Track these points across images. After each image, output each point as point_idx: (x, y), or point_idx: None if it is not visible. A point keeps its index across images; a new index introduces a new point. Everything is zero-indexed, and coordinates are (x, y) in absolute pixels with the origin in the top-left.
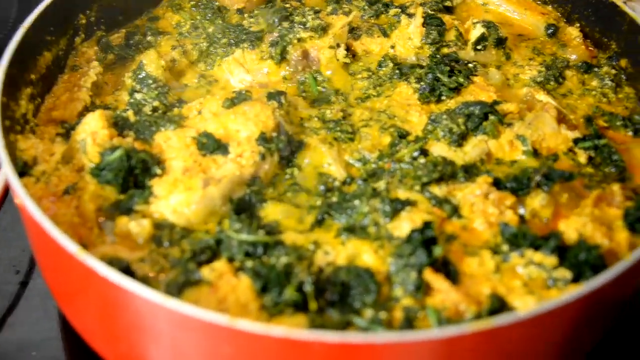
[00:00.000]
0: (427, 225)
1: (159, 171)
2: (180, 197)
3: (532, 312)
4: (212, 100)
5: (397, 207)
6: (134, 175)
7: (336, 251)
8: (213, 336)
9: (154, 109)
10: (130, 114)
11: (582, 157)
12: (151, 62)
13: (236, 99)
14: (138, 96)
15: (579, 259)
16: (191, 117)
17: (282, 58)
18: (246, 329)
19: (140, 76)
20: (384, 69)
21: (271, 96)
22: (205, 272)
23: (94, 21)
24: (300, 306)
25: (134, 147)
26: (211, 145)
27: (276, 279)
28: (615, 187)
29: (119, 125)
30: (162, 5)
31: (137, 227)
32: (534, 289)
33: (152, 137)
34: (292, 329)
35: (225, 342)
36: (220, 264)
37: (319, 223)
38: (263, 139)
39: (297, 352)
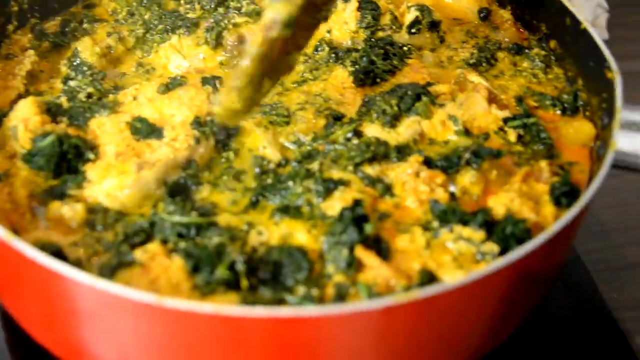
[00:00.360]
0: (357, 203)
1: (92, 156)
2: (113, 181)
3: (458, 283)
4: (147, 86)
5: (330, 186)
6: (66, 160)
7: (269, 231)
8: (144, 316)
9: (89, 95)
10: (63, 100)
11: (512, 136)
12: (86, 49)
13: (171, 84)
14: (72, 83)
15: (506, 233)
16: (126, 103)
17: (218, 43)
18: (175, 307)
19: (75, 63)
20: (320, 53)
21: (206, 81)
22: (138, 253)
23: (26, 9)
24: (232, 285)
25: (66, 133)
26: (145, 129)
27: (207, 258)
28: (543, 164)
29: (52, 112)
30: None
31: (70, 211)
32: (463, 263)
33: (86, 123)
34: (221, 305)
35: (156, 322)
36: (153, 246)
37: (254, 205)
38: (197, 123)
39: (228, 328)
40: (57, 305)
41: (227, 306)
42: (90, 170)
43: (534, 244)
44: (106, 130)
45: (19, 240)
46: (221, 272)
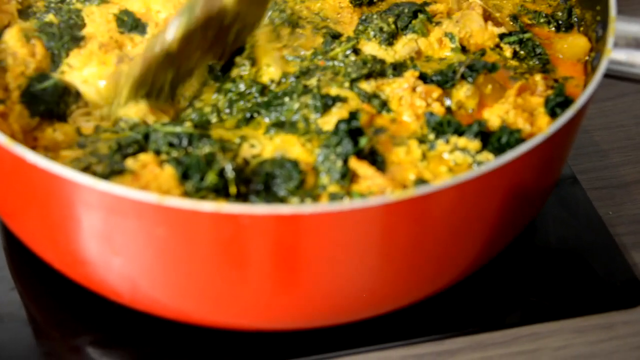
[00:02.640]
0: (353, 115)
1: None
2: (93, 70)
3: (449, 183)
4: None
5: (328, 102)
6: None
7: (262, 144)
8: (144, 218)
9: None
10: (51, 17)
11: (508, 52)
12: None
13: None
14: None
15: (501, 142)
16: None
17: None
18: (175, 206)
19: None
20: None
21: None
22: (130, 162)
23: None
24: (222, 192)
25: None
26: (130, 23)
27: (197, 165)
28: (538, 77)
29: (45, 33)
30: None
31: (62, 135)
32: (459, 173)
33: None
34: (221, 203)
35: (157, 223)
36: (145, 156)
37: (247, 121)
38: None
39: (228, 227)
40: (57, 213)
41: (227, 204)
42: (74, 57)
43: (527, 147)
44: (94, 19)
45: (17, 144)
46: (211, 178)
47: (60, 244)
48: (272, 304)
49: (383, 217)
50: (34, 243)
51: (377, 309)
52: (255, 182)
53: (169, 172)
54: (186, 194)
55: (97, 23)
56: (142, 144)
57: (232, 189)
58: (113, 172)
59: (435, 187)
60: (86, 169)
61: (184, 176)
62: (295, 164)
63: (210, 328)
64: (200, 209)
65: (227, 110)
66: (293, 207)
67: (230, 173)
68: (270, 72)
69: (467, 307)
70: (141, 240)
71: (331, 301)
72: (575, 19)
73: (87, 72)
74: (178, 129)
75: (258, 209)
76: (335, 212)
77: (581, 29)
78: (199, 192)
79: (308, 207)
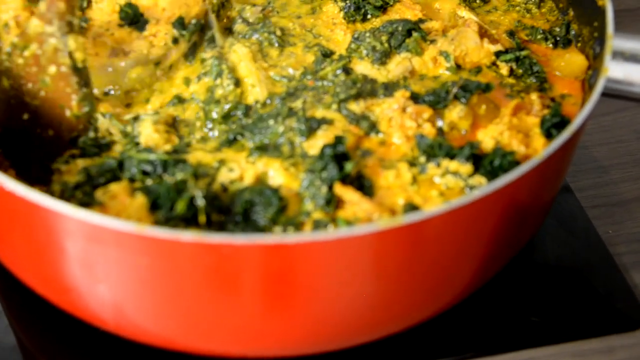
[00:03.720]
0: (338, 140)
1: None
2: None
3: (438, 210)
4: None
5: (313, 125)
6: None
7: (242, 169)
8: (126, 247)
9: None
10: None
11: (504, 70)
12: None
13: None
14: None
15: (494, 165)
16: None
17: None
18: (153, 235)
19: None
20: None
21: None
22: (99, 193)
23: None
24: (193, 222)
25: None
26: (131, 16)
27: (166, 194)
28: (534, 96)
29: None
30: None
31: None
32: (450, 197)
33: None
34: (202, 233)
35: (139, 253)
36: (116, 186)
37: (230, 143)
38: (180, 23)
39: (208, 256)
40: (38, 240)
41: (208, 234)
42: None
43: (521, 171)
44: (101, 7)
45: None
46: (180, 207)
47: (42, 270)
48: (259, 331)
49: (370, 244)
50: (18, 269)
51: (369, 335)
52: (234, 210)
53: (139, 202)
54: (157, 224)
55: (102, 11)
56: (116, 172)
57: (201, 218)
58: (83, 204)
59: (425, 214)
60: (62, 195)
61: (154, 205)
62: (275, 190)
63: (197, 355)
64: (180, 239)
65: (210, 133)
66: (273, 237)
67: (200, 201)
68: (255, 93)
69: (463, 330)
70: (123, 268)
71: (320, 328)
72: (573, 35)
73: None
74: (152, 156)
75: (238, 238)
76: (316, 241)
77: (579, 45)
78: (169, 222)
79: (287, 237)
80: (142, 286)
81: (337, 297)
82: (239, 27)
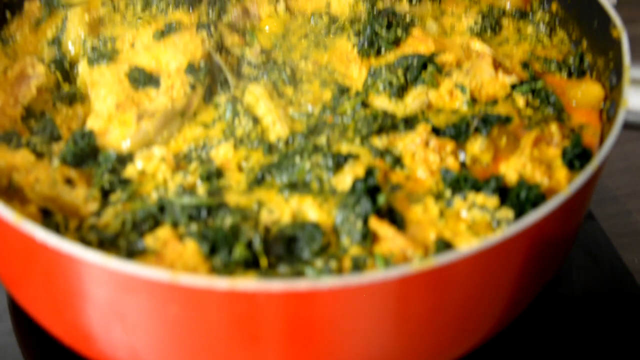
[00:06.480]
0: (369, 173)
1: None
2: (115, 132)
3: (474, 249)
4: (144, 32)
5: (340, 160)
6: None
7: (280, 209)
8: (157, 296)
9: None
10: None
11: (521, 101)
12: (75, 17)
13: (166, 31)
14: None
15: (520, 198)
16: (124, 51)
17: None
18: (190, 284)
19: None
20: (319, 23)
21: (201, 27)
22: (149, 241)
23: None
24: (250, 264)
25: None
26: (143, 78)
27: (224, 239)
28: (553, 127)
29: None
30: None
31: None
32: (478, 231)
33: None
34: (235, 280)
35: (170, 302)
36: (164, 232)
37: (258, 182)
38: (191, 68)
39: (243, 305)
40: (68, 289)
41: (243, 281)
42: (92, 121)
43: (550, 207)
44: (107, 80)
45: (30, 223)
46: (240, 251)
47: (69, 319)
48: None
49: (405, 285)
50: (42, 317)
51: None
52: (278, 246)
53: (192, 249)
54: (214, 270)
55: (110, 83)
56: (157, 218)
57: (263, 261)
58: (133, 253)
59: (460, 253)
60: (101, 245)
61: (212, 251)
62: (316, 225)
63: None
64: (215, 287)
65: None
66: (310, 283)
67: (258, 244)
68: (277, 130)
69: None
70: (152, 318)
71: None
72: (588, 65)
73: (109, 137)
74: (196, 201)
75: (274, 285)
76: (355, 286)
77: (594, 75)
78: (227, 267)
79: (325, 282)
80: (170, 334)
81: (364, 340)
82: (245, 69)
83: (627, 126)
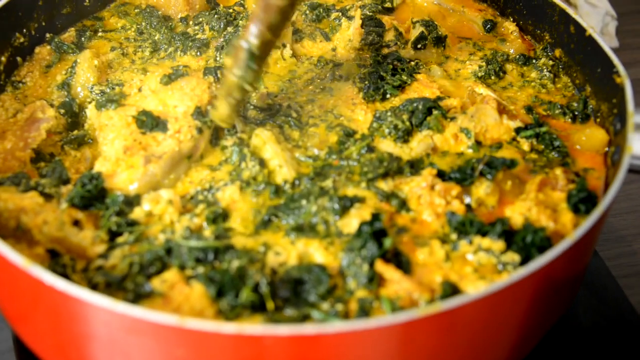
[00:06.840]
0: (375, 217)
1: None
2: (123, 175)
3: (481, 294)
4: (151, 77)
5: (346, 204)
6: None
7: (287, 251)
8: (164, 339)
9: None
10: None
11: (525, 145)
12: (85, 61)
13: (173, 75)
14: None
15: (526, 242)
16: (132, 95)
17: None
18: (197, 328)
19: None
20: (324, 69)
21: (208, 71)
22: (156, 283)
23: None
24: (257, 307)
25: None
26: (150, 122)
27: (230, 282)
28: (558, 171)
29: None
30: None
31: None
32: (484, 274)
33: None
34: (243, 325)
35: (177, 345)
36: (171, 274)
37: (265, 224)
38: (198, 112)
39: (250, 349)
40: (74, 330)
41: (250, 326)
42: (100, 164)
43: (556, 251)
44: (115, 124)
45: (38, 267)
46: (246, 294)
47: (73, 358)
48: None
49: (412, 329)
50: (46, 355)
51: None
52: (285, 289)
53: (199, 292)
54: (220, 313)
55: (118, 127)
56: (164, 260)
57: (270, 305)
58: (140, 296)
59: (468, 297)
60: (108, 287)
61: (219, 294)
62: (322, 268)
63: None
64: (222, 331)
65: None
66: (316, 327)
67: (265, 287)
68: (283, 173)
69: None
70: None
71: None
72: (592, 110)
73: (117, 180)
74: (203, 244)
75: (281, 329)
76: (361, 330)
77: (598, 120)
78: (234, 310)
79: (332, 326)
80: None
81: None
82: (250, 113)
83: (632, 171)
